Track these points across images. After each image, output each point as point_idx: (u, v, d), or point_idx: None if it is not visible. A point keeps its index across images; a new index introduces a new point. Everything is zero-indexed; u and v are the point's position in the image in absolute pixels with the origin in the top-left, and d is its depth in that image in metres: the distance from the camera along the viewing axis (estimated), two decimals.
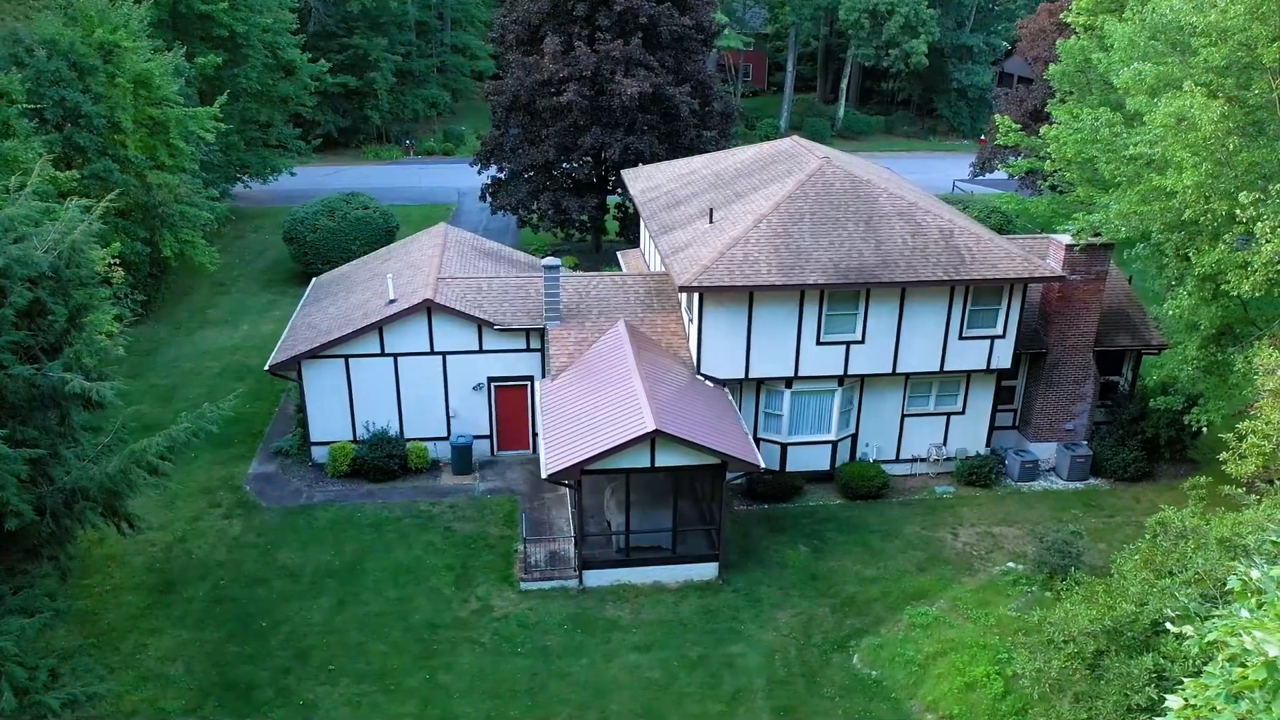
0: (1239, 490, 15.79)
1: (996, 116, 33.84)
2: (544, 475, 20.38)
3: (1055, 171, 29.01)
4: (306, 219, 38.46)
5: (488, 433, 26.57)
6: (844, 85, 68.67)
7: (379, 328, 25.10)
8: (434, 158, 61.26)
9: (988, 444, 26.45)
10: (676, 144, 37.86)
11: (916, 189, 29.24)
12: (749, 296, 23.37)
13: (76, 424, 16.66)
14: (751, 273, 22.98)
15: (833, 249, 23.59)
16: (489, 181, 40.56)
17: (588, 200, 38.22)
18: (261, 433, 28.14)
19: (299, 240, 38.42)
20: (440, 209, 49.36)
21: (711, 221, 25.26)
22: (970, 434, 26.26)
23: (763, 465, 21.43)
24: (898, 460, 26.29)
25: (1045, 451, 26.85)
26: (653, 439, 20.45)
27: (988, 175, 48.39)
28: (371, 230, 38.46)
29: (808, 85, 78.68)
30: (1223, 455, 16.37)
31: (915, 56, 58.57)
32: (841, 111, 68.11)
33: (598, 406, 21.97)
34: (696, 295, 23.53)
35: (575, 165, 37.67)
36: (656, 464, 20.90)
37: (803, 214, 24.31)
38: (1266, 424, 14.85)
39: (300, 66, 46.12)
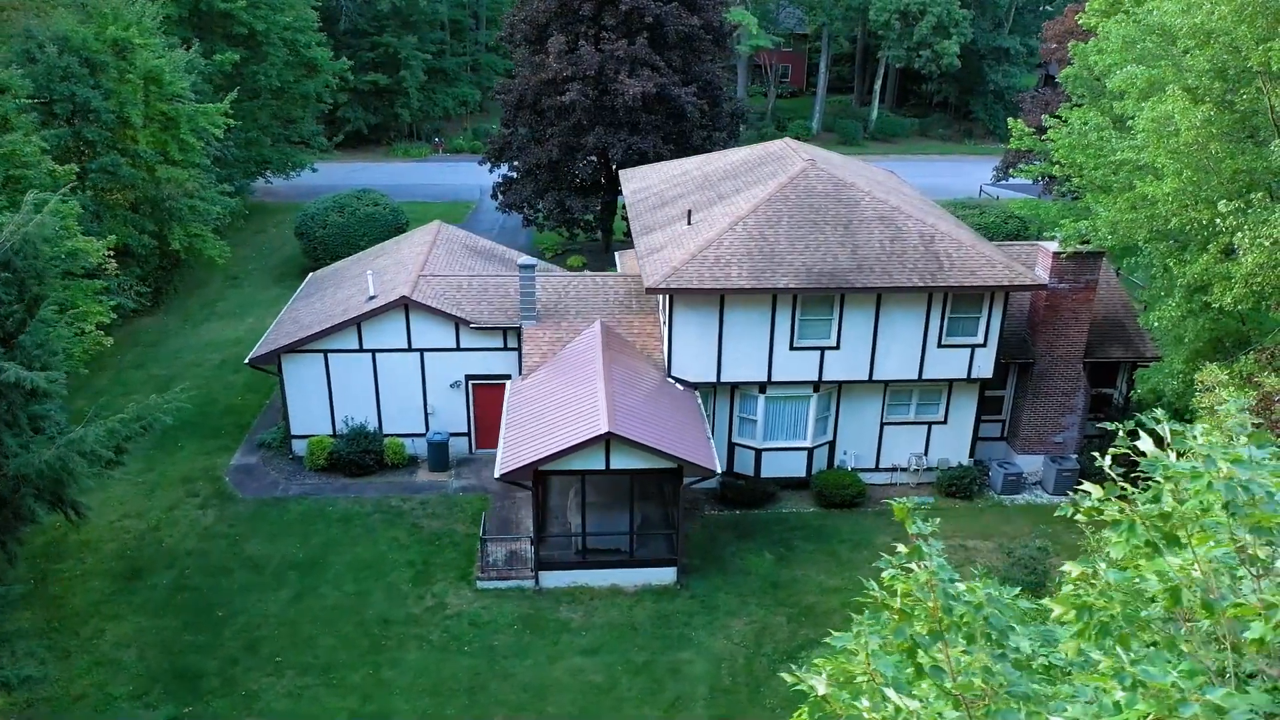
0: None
1: (1010, 120, 33.09)
2: (496, 475, 20.37)
3: (1067, 177, 28.27)
4: (317, 215, 38.99)
5: (466, 430, 26.64)
6: (877, 87, 67.71)
7: (357, 324, 25.31)
8: (462, 155, 61.64)
9: (972, 455, 25.84)
10: (685, 145, 37.63)
11: (911, 193, 28.67)
12: (720, 299, 23.12)
13: (23, 413, 17.00)
14: (722, 275, 22.72)
15: (807, 253, 23.23)
16: (500, 180, 40.72)
17: (592, 200, 38.18)
18: (249, 425, 28.55)
19: (309, 236, 38.96)
20: (461, 206, 49.70)
21: (690, 223, 25.05)
22: (953, 444, 25.68)
23: (719, 470, 21.15)
24: (877, 469, 25.81)
25: (1032, 464, 26.16)
26: (607, 441, 20.33)
27: (1010, 180, 47.34)
28: (380, 226, 38.82)
29: (847, 86, 77.88)
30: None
31: (946, 58, 57.53)
32: (875, 113, 67.20)
33: (560, 407, 21.90)
34: (667, 297, 23.36)
35: (581, 165, 37.61)
36: (612, 466, 20.76)
37: (780, 217, 23.97)
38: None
39: (323, 65, 46.74)
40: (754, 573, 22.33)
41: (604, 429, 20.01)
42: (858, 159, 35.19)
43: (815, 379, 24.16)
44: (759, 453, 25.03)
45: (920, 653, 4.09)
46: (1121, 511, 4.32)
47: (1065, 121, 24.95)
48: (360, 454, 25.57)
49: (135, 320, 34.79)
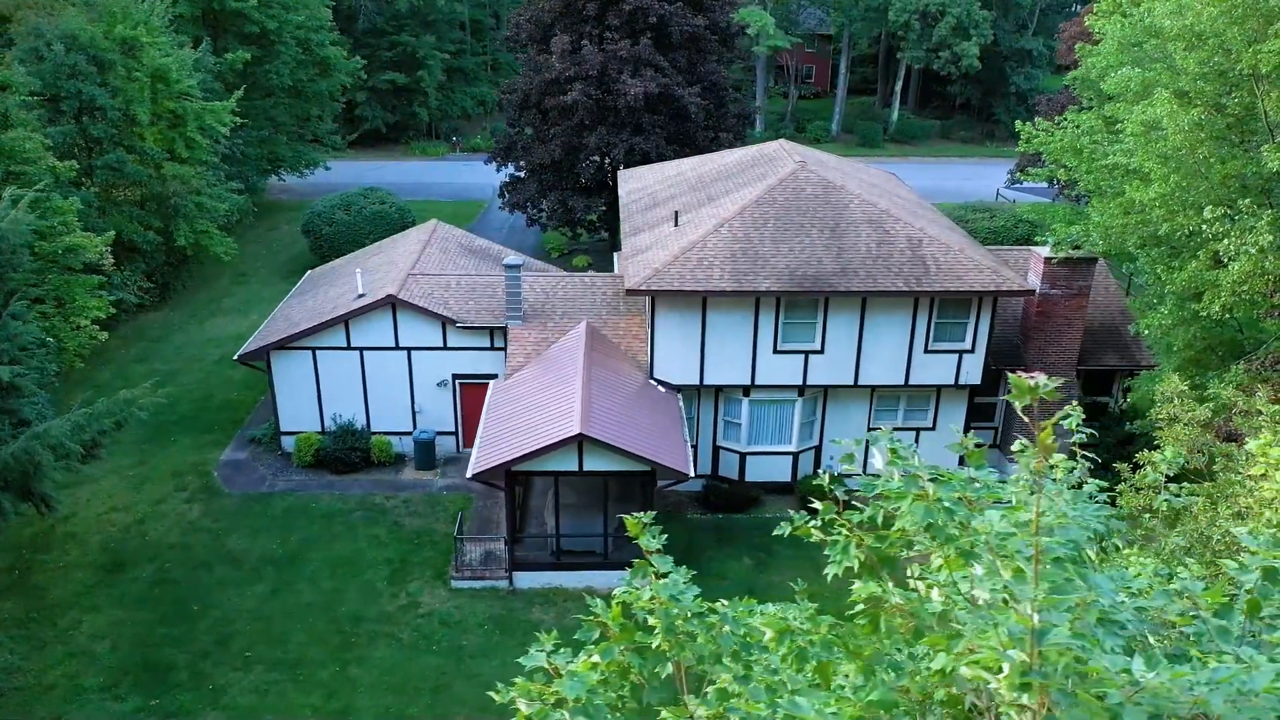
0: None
1: (1017, 123, 32.61)
2: (469, 474, 20.38)
3: (1073, 181, 27.80)
4: (324, 213, 39.28)
5: (453, 429, 26.68)
6: (897, 88, 67.10)
7: (345, 321, 25.44)
8: (479, 155, 61.72)
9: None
10: (689, 145, 37.43)
11: (906, 196, 28.33)
12: (702, 302, 22.97)
13: None
14: (704, 277, 22.57)
15: (791, 255, 23.01)
16: (506, 180, 40.80)
17: (595, 200, 38.11)
18: (243, 420, 28.79)
19: (315, 233, 39.25)
20: (472, 205, 49.87)
21: (676, 225, 24.92)
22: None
23: (691, 474, 20.97)
24: (864, 475, 25.42)
25: None
26: (580, 442, 20.25)
27: (1025, 183, 46.66)
28: (386, 224, 38.98)
29: (870, 88, 77.25)
30: (1119, 487, 15.39)
31: (966, 59, 56.86)
32: (895, 115, 66.58)
33: (537, 407, 21.86)
34: (649, 299, 23.24)
35: (584, 165, 37.58)
36: (585, 468, 20.69)
37: (766, 219, 23.77)
38: (1169, 455, 13.85)
39: (336, 64, 47.08)
40: (730, 578, 22.13)
41: (576, 430, 19.94)
42: (863, 161, 34.90)
43: (800, 383, 23.93)
44: (743, 456, 24.84)
45: (634, 673, 3.98)
46: (848, 531, 4.18)
47: (1059, 124, 24.50)
48: (347, 451, 25.70)
49: (141, 315, 35.26)
